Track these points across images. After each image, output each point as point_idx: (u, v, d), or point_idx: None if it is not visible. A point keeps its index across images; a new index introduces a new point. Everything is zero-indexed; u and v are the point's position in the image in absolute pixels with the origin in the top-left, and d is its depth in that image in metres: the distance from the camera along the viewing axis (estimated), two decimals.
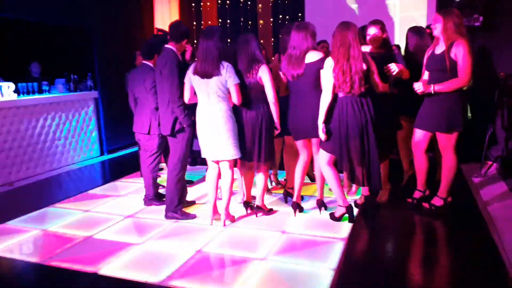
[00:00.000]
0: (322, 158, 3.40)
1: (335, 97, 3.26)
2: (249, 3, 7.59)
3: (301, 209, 3.72)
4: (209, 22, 7.90)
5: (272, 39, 7.46)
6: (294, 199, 3.69)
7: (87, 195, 4.56)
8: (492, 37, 5.26)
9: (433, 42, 3.50)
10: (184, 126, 3.51)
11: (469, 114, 3.59)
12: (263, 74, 3.32)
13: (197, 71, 3.27)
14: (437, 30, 3.35)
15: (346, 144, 3.25)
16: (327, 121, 3.28)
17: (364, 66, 3.18)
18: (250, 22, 7.66)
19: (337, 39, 3.19)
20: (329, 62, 3.23)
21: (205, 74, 3.23)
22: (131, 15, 7.19)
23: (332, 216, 3.55)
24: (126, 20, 7.03)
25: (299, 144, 3.59)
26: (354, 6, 5.50)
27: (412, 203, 3.74)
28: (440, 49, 3.39)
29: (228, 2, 7.77)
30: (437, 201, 3.63)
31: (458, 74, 3.27)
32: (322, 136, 3.29)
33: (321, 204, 3.70)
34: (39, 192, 4.86)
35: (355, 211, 3.62)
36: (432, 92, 3.33)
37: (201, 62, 3.24)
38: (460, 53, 3.23)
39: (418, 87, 3.36)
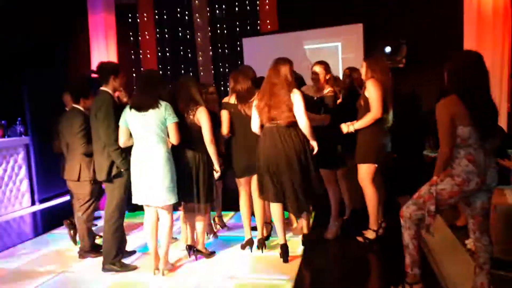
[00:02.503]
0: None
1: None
2: (188, 36, 7.70)
3: (265, 246, 3.70)
4: (148, 55, 7.87)
5: (213, 72, 7.57)
6: (259, 236, 3.68)
7: (15, 250, 4.17)
8: (415, 77, 5.79)
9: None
10: (122, 170, 3.36)
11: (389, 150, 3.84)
12: (201, 115, 3.34)
13: (134, 103, 3.20)
14: (362, 74, 3.72)
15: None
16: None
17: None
18: (189, 55, 7.74)
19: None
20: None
21: (142, 106, 3.15)
22: (66, 54, 6.98)
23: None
24: (61, 60, 6.79)
25: (244, 181, 3.69)
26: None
27: (364, 243, 3.78)
28: (363, 89, 3.72)
29: (166, 35, 7.84)
30: (370, 234, 3.77)
31: (371, 109, 3.57)
32: None
33: (262, 244, 3.68)
34: None
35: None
36: (353, 131, 3.62)
37: (139, 94, 3.22)
38: (370, 89, 3.56)
39: (343, 128, 3.66)
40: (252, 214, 3.79)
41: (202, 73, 7.56)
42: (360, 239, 3.79)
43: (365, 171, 3.65)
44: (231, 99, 3.61)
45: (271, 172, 3.31)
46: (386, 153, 3.71)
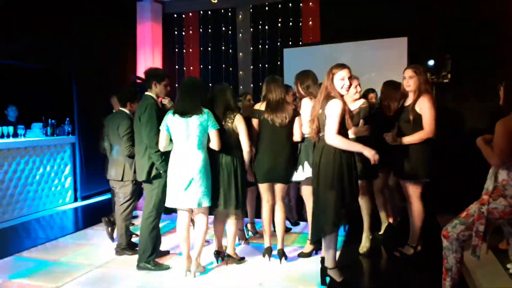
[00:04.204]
0: None
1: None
2: (230, 51, 7.85)
3: (286, 257, 3.65)
4: (191, 68, 8.08)
5: (252, 85, 7.66)
6: (279, 246, 3.64)
7: (57, 243, 4.38)
8: (460, 93, 5.58)
9: (402, 94, 3.67)
10: (161, 172, 3.47)
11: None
12: (239, 123, 3.40)
13: (178, 109, 3.30)
14: (411, 87, 3.53)
15: None
16: None
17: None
18: (231, 69, 7.88)
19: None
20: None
21: (186, 111, 3.25)
22: (113, 61, 7.30)
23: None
24: (108, 66, 7.11)
25: (266, 187, 3.66)
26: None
27: (399, 259, 3.69)
28: (408, 102, 3.60)
29: (209, 49, 8.02)
30: (407, 250, 3.66)
31: (424, 126, 3.44)
32: None
33: (282, 254, 3.64)
34: (6, 240, 4.63)
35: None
36: (400, 144, 3.48)
37: (182, 100, 3.31)
38: (424, 107, 3.42)
39: (388, 138, 3.50)
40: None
41: (241, 87, 7.69)
42: (397, 254, 3.70)
43: (414, 187, 3.55)
44: (262, 106, 3.65)
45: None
46: (434, 169, 3.60)
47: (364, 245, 3.89)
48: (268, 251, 3.66)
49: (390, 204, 4.32)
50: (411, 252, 3.65)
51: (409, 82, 3.53)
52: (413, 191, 3.56)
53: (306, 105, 3.51)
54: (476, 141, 2.60)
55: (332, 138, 2.90)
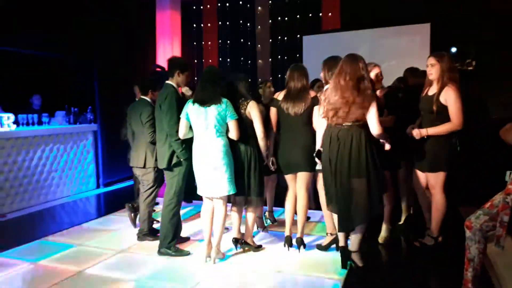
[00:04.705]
0: None
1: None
2: (248, 43, 7.82)
3: (304, 246, 3.66)
4: (210, 61, 8.10)
5: (271, 77, 7.63)
6: (299, 234, 3.64)
7: (81, 228, 4.51)
8: (484, 81, 5.42)
9: (426, 83, 3.58)
10: (181, 159, 3.52)
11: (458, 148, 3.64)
12: (252, 110, 3.41)
13: (197, 98, 3.33)
14: (433, 75, 3.42)
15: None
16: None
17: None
18: (249, 62, 7.85)
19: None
20: None
21: (205, 100, 3.28)
22: (133, 51, 7.37)
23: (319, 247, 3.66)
24: (129, 55, 7.19)
25: (289, 178, 3.68)
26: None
27: (421, 248, 3.67)
28: (432, 91, 3.48)
29: (228, 42, 8.00)
30: (428, 240, 3.64)
31: (451, 119, 3.34)
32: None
33: (300, 242, 3.63)
34: (32, 224, 4.80)
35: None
36: (425, 137, 3.41)
37: (202, 89, 3.34)
38: (450, 98, 3.31)
39: (415, 134, 3.41)
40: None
41: (260, 79, 7.68)
42: (417, 244, 3.68)
43: (438, 178, 3.49)
44: (280, 95, 3.63)
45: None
46: (456, 161, 3.54)
47: (383, 235, 3.88)
48: (288, 241, 3.67)
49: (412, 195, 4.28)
50: (431, 243, 3.62)
51: (431, 70, 3.42)
52: (436, 182, 3.50)
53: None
54: (500, 132, 2.53)
55: (379, 128, 2.96)
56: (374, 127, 2.97)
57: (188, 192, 3.89)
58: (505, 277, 3.07)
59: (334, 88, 3.06)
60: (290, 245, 3.65)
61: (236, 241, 3.69)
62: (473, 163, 5.12)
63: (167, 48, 7.70)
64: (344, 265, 3.21)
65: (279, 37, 7.58)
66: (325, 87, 3.31)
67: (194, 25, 8.24)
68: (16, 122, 5.27)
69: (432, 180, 3.53)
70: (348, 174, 3.04)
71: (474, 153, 5.20)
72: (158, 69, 6.18)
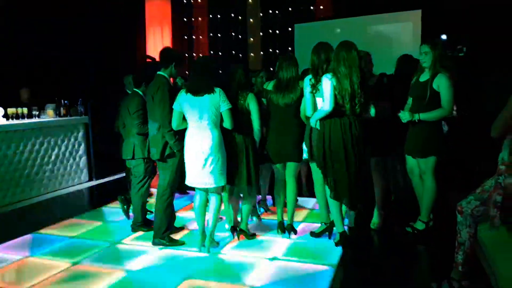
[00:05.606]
0: None
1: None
2: (240, 36, 7.77)
3: (296, 232, 3.73)
4: (200, 54, 8.04)
5: (262, 56, 7.62)
6: (289, 221, 3.72)
7: (73, 221, 4.49)
8: (475, 68, 5.45)
9: (419, 69, 3.60)
10: (175, 151, 3.51)
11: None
12: (251, 102, 3.41)
13: (190, 88, 3.31)
14: (427, 62, 3.45)
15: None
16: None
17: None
18: (240, 55, 7.81)
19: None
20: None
21: (198, 90, 3.26)
22: (123, 44, 7.30)
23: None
24: (119, 48, 7.12)
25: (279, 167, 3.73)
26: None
27: (412, 233, 3.72)
28: (423, 77, 3.52)
29: (219, 35, 7.94)
30: (419, 225, 3.69)
31: (442, 105, 3.39)
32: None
33: (290, 229, 3.70)
34: (24, 218, 4.76)
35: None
36: (416, 121, 3.44)
37: (195, 79, 3.32)
38: (443, 85, 3.36)
39: (404, 117, 3.46)
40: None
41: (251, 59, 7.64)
42: (408, 229, 3.73)
43: (429, 164, 3.54)
44: (269, 85, 3.65)
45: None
46: (447, 146, 3.59)
47: (375, 221, 3.92)
48: (280, 226, 3.73)
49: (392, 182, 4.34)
50: (422, 228, 3.67)
51: (425, 58, 3.45)
52: (427, 168, 3.55)
53: (326, 82, 3.35)
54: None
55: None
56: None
57: (182, 182, 3.88)
58: (495, 260, 3.13)
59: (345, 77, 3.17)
60: (283, 231, 3.71)
61: (233, 230, 3.71)
62: (464, 147, 5.17)
63: (157, 39, 7.63)
64: (344, 247, 3.39)
65: (270, 30, 7.53)
66: (327, 76, 3.24)
67: (185, 19, 8.15)
68: (5, 115, 5.21)
69: (423, 166, 3.57)
70: (358, 159, 3.24)
71: (464, 139, 5.24)
72: (149, 60, 6.14)
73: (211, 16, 7.93)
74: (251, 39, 7.67)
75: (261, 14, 7.54)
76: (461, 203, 2.62)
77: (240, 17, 7.71)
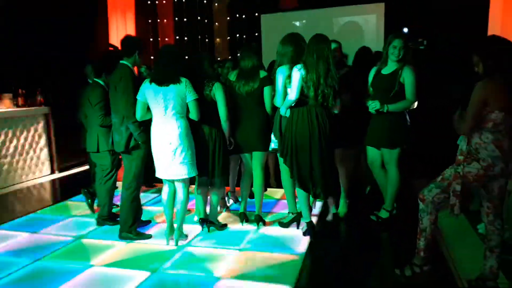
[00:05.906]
0: None
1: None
2: (206, 20, 7.66)
3: (264, 222, 3.78)
4: (166, 39, 7.86)
5: (230, 57, 7.53)
6: (257, 212, 3.76)
7: (36, 216, 4.33)
8: (435, 60, 5.65)
9: (382, 61, 3.66)
10: (140, 142, 3.43)
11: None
12: (217, 91, 3.38)
13: (155, 77, 3.23)
14: (397, 56, 3.49)
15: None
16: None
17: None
18: (207, 40, 7.70)
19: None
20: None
21: (163, 80, 3.18)
22: (85, 31, 7.02)
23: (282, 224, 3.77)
24: (80, 35, 6.84)
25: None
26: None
27: (376, 221, 3.84)
28: (387, 70, 3.59)
29: (185, 19, 7.78)
30: (383, 214, 3.82)
31: (406, 96, 3.50)
32: None
33: (259, 219, 3.76)
34: None
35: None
36: (385, 112, 3.52)
37: (160, 68, 3.25)
38: (409, 76, 3.47)
39: (374, 106, 3.53)
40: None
41: (219, 59, 7.56)
42: (373, 218, 3.85)
43: (394, 154, 3.64)
44: (232, 76, 3.69)
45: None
46: (411, 136, 3.69)
47: (342, 210, 4.02)
48: (241, 216, 3.80)
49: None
50: (386, 216, 3.80)
51: (400, 52, 3.49)
52: (391, 158, 3.66)
53: (295, 72, 3.31)
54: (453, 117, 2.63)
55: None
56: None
57: (148, 175, 3.81)
58: (453, 246, 3.29)
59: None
60: (247, 220, 3.78)
61: (202, 222, 3.70)
62: (425, 137, 5.35)
63: (120, 24, 7.37)
64: (311, 237, 3.47)
65: (237, 15, 7.46)
66: (296, 67, 3.27)
67: (149, 2, 7.92)
68: None
69: (387, 156, 3.67)
70: (327, 148, 3.32)
71: (425, 129, 5.43)
72: (111, 48, 5.93)
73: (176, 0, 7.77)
74: (217, 23, 7.57)
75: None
76: (423, 191, 2.72)
77: (205, 1, 7.58)
